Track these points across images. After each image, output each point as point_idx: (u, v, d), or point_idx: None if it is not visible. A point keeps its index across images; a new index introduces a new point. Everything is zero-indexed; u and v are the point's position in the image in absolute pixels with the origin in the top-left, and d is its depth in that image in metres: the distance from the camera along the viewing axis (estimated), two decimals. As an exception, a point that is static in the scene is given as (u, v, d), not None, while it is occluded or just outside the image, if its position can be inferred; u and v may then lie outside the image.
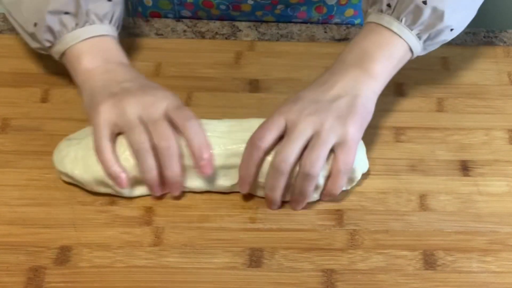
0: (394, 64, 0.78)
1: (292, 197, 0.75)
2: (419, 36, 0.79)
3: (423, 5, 0.76)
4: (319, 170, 0.72)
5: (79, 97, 0.87)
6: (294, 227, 0.75)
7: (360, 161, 0.77)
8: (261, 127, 0.74)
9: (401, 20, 0.78)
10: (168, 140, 0.72)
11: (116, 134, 0.74)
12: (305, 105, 0.74)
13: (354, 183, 0.77)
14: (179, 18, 1.04)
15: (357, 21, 1.07)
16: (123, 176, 0.73)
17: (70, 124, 0.83)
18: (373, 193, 0.78)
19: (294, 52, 0.95)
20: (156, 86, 0.78)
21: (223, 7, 1.02)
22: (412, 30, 0.78)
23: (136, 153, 0.73)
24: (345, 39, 0.98)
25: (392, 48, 0.78)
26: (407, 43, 0.78)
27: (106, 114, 0.74)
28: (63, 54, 0.81)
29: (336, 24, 1.02)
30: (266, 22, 1.00)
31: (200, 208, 0.76)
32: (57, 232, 0.73)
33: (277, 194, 0.74)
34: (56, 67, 0.89)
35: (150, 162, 0.73)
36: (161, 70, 0.92)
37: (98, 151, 0.73)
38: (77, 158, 0.75)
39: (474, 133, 0.84)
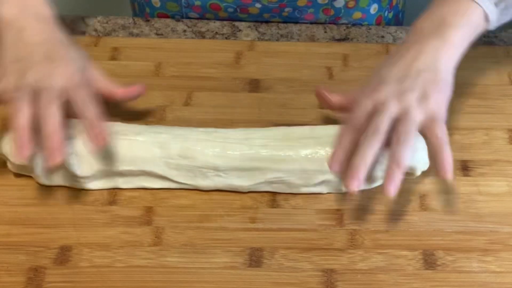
0: (471, 32, 0.77)
1: (386, 173, 0.70)
2: (496, 4, 0.77)
3: None
4: (412, 140, 0.71)
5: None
6: (294, 227, 0.75)
7: (421, 159, 0.76)
8: (352, 112, 0.74)
9: None
10: (48, 105, 0.71)
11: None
12: (391, 84, 0.74)
13: (414, 177, 0.78)
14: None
15: (364, 24, 1.07)
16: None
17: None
18: (373, 192, 0.78)
19: (294, 52, 0.95)
20: (62, 53, 0.77)
21: (230, 10, 1.02)
22: None
23: (13, 110, 0.72)
24: (345, 39, 0.98)
25: (470, 15, 0.77)
26: (484, 10, 0.77)
27: (5, 82, 0.73)
28: None
29: (336, 23, 1.02)
30: (266, 22, 1.00)
31: (200, 208, 0.76)
32: (57, 232, 0.73)
33: (366, 165, 0.70)
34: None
35: (23, 117, 0.71)
36: (161, 70, 0.92)
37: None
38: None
39: (474, 133, 0.84)
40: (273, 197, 0.77)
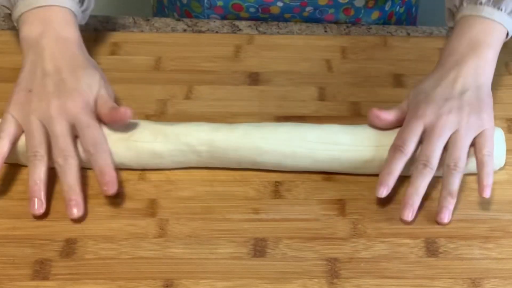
0: (499, 49, 0.84)
1: (440, 202, 0.75)
2: (509, 14, 0.84)
3: None
4: (464, 165, 0.75)
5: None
6: (297, 217, 0.75)
7: (499, 157, 0.78)
8: (401, 133, 0.77)
9: (501, 9, 0.83)
10: (66, 157, 0.74)
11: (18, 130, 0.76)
12: (439, 104, 0.77)
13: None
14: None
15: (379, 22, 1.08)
16: None
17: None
18: (375, 182, 0.78)
19: (293, 45, 0.96)
20: (74, 82, 0.78)
21: (252, 10, 1.03)
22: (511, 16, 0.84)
23: (28, 160, 0.74)
24: (344, 36, 0.99)
25: (497, 34, 0.84)
26: (506, 28, 0.84)
27: (14, 111, 0.76)
28: (17, 22, 0.83)
29: (336, 23, 1.03)
30: (266, 21, 1.01)
31: (204, 200, 0.77)
32: (62, 225, 0.74)
33: (419, 196, 0.75)
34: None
35: (38, 173, 0.73)
36: (161, 64, 0.92)
37: None
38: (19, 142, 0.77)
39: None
40: (276, 188, 0.78)
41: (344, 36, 0.98)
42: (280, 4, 1.02)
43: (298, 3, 1.02)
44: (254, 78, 0.91)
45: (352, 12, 1.05)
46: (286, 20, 1.03)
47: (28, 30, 0.81)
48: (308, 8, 1.03)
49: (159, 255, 0.72)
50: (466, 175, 0.78)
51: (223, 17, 1.04)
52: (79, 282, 0.69)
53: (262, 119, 0.85)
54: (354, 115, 0.86)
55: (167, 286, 0.69)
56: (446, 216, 0.74)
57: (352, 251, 0.72)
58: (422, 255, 0.72)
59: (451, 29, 0.88)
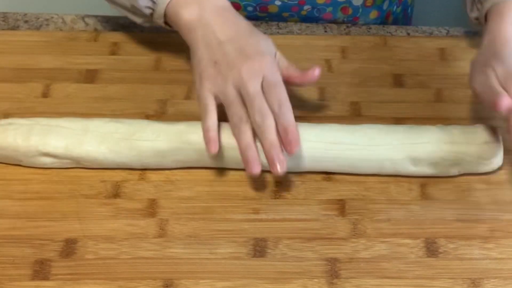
0: None
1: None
2: None
3: None
4: None
5: (80, 91, 0.88)
6: (297, 217, 0.75)
7: (497, 156, 0.78)
8: None
9: None
10: (264, 116, 0.75)
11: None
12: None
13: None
14: None
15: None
16: (215, 143, 0.76)
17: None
18: (375, 182, 0.78)
19: (293, 45, 0.95)
20: (253, 46, 0.80)
21: (250, 8, 1.03)
22: None
23: (234, 127, 0.76)
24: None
25: None
26: None
27: (208, 86, 0.78)
28: (165, 16, 0.84)
29: (334, 22, 1.03)
30: (266, 21, 1.01)
31: (204, 200, 0.77)
32: (62, 225, 0.74)
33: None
34: (57, 62, 0.90)
35: (248, 136, 0.75)
36: (161, 64, 0.92)
37: (202, 116, 0.77)
38: (17, 142, 0.76)
39: (475, 123, 0.85)
40: (276, 188, 0.78)
41: (344, 36, 0.98)
42: (278, 2, 1.02)
43: (296, 2, 1.02)
44: (254, 78, 0.90)
45: (350, 11, 1.05)
46: (284, 19, 1.03)
47: (188, 13, 0.82)
48: (306, 7, 1.03)
49: (159, 255, 0.72)
50: (466, 175, 0.79)
51: None
52: (79, 282, 0.69)
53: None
54: (354, 115, 0.86)
55: (167, 286, 0.69)
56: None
57: (352, 251, 0.72)
58: (422, 255, 0.72)
59: (475, 19, 0.88)
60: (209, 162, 0.78)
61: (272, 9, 1.03)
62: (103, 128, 0.78)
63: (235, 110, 0.76)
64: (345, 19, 1.05)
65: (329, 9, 1.04)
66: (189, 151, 0.77)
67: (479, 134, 0.78)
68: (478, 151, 0.77)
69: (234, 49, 0.79)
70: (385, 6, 1.08)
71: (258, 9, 1.03)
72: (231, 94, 0.77)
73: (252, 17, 1.03)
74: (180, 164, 0.79)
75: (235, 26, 0.82)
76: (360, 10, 1.05)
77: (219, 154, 0.77)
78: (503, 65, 0.76)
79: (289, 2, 1.02)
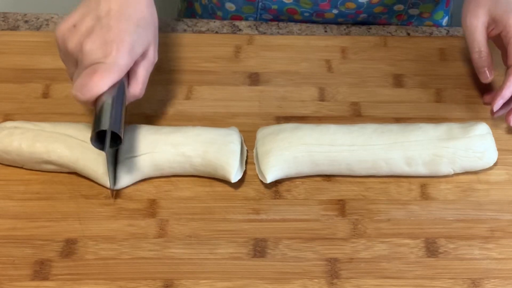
0: None
1: None
2: None
3: None
4: None
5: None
6: (297, 218, 0.75)
7: (491, 152, 0.79)
8: None
9: None
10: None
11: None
12: None
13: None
14: (260, 20, 1.05)
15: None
16: None
17: (71, 119, 0.83)
18: (375, 182, 0.78)
19: (293, 45, 0.95)
20: (119, 37, 0.74)
21: (306, 14, 1.03)
22: None
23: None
24: (343, 33, 0.99)
25: None
26: None
27: (62, 31, 0.74)
28: None
29: (336, 23, 1.03)
30: (266, 21, 1.01)
31: (204, 200, 0.77)
32: (62, 226, 0.74)
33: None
34: (57, 63, 0.90)
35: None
36: (161, 64, 0.92)
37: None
38: (22, 148, 0.76)
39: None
40: (276, 188, 0.78)
41: (344, 36, 0.98)
42: (335, 11, 1.01)
43: (353, 11, 1.02)
44: (254, 79, 0.91)
45: (405, 18, 1.06)
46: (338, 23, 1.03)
47: None
48: (363, 15, 1.03)
49: (159, 255, 0.72)
50: (466, 174, 0.79)
51: (276, 18, 1.04)
52: (79, 283, 0.69)
53: (262, 119, 0.85)
54: (354, 115, 0.86)
55: (167, 286, 0.69)
56: None
57: (352, 251, 0.73)
58: (422, 255, 0.72)
59: None
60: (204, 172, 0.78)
61: (329, 16, 1.03)
62: None
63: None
64: (399, 23, 1.06)
65: (384, 16, 1.04)
66: (185, 164, 0.77)
67: (469, 128, 0.79)
68: (468, 143, 0.77)
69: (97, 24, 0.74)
70: (444, 22, 1.10)
71: (314, 15, 1.03)
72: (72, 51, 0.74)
73: (308, 22, 1.03)
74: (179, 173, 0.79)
75: (120, 5, 0.76)
76: (415, 19, 1.07)
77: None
78: (496, 9, 0.80)
79: (346, 11, 1.02)
